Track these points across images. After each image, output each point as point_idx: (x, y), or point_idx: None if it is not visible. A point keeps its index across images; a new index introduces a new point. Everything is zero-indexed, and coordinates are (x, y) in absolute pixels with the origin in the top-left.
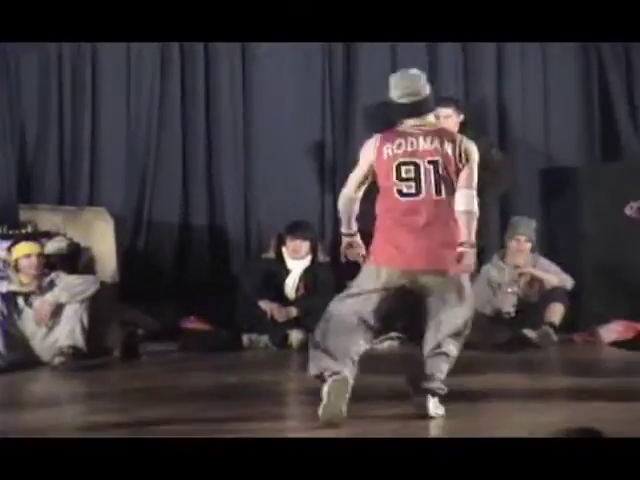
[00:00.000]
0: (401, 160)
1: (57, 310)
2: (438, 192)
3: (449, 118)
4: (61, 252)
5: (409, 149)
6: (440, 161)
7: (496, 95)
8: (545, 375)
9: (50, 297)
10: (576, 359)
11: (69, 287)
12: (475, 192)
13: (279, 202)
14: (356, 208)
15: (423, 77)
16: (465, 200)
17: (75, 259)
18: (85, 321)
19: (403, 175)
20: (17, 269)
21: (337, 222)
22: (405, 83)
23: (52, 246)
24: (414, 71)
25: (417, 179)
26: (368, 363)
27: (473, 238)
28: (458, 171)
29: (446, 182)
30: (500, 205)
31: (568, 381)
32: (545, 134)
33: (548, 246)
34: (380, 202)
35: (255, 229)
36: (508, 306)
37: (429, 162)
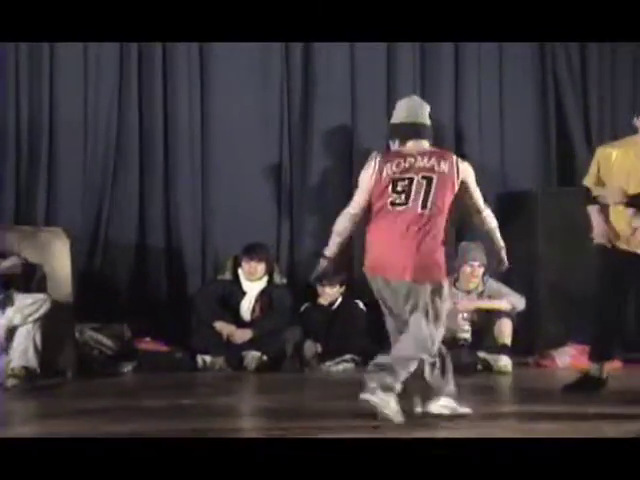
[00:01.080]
0: (398, 177)
1: (11, 332)
2: (424, 206)
3: None
4: (15, 271)
5: (407, 166)
6: (435, 178)
7: (453, 119)
8: (497, 399)
9: (3, 320)
10: (530, 383)
11: (21, 308)
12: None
13: (236, 224)
14: (353, 230)
15: (426, 106)
16: (490, 219)
17: (29, 279)
18: (38, 341)
19: (398, 189)
20: None
21: (293, 244)
22: (413, 106)
23: (6, 265)
24: (417, 99)
25: (409, 192)
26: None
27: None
28: (453, 188)
29: (436, 198)
30: (456, 229)
31: (519, 405)
32: (501, 158)
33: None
34: (373, 219)
35: (212, 251)
36: (462, 332)
37: (423, 177)
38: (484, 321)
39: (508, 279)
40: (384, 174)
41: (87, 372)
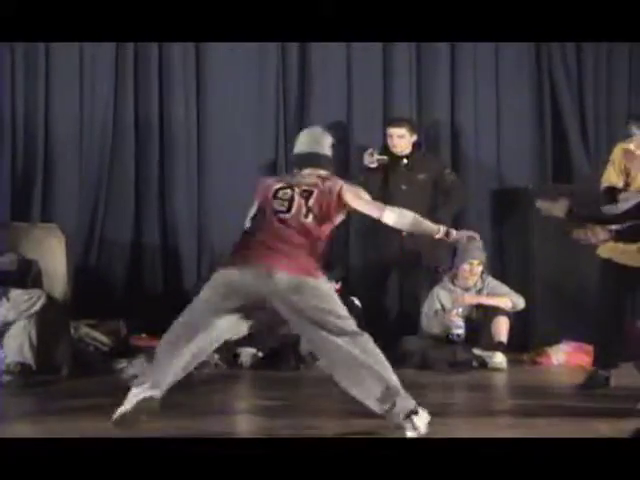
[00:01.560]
0: (280, 186)
1: (5, 328)
2: (306, 216)
3: (402, 138)
4: (11, 268)
5: (290, 181)
6: (315, 192)
7: (449, 116)
8: (491, 396)
9: None
10: (524, 380)
11: (16, 304)
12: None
13: (231, 222)
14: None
15: (326, 136)
16: (399, 218)
17: (25, 275)
18: (34, 337)
19: (279, 196)
20: None
21: None
22: (312, 137)
23: (1, 262)
24: (318, 129)
25: (291, 200)
26: None
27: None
28: (338, 207)
29: (315, 211)
30: (452, 226)
31: (513, 402)
32: (497, 155)
33: (499, 266)
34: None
35: (207, 248)
36: (456, 328)
37: (304, 190)
38: (481, 318)
39: (503, 276)
40: (270, 185)
41: (82, 369)
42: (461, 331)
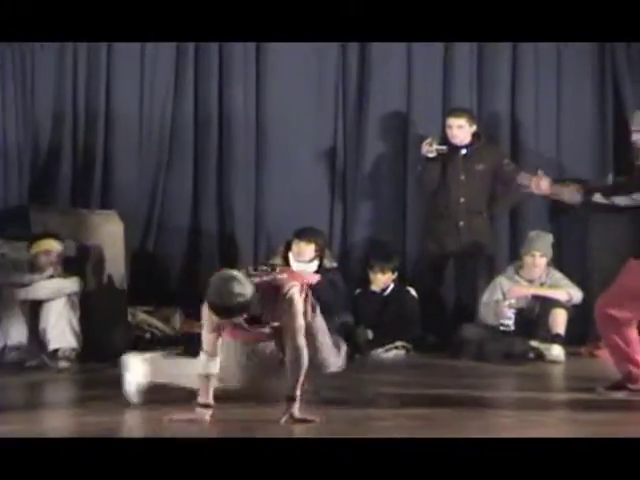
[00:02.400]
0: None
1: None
2: None
3: (462, 129)
4: (69, 254)
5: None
6: None
7: (510, 106)
8: (548, 388)
9: (22, 293)
10: (582, 373)
11: (47, 285)
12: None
13: (289, 209)
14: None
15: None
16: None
17: (84, 261)
18: (75, 322)
19: None
20: (34, 265)
21: (346, 230)
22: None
23: (60, 248)
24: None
25: None
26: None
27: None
28: None
29: None
30: (510, 217)
31: (571, 394)
32: (557, 146)
33: (557, 259)
34: None
35: (264, 236)
36: (505, 319)
37: None
38: (539, 310)
39: (561, 268)
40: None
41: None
42: (510, 322)
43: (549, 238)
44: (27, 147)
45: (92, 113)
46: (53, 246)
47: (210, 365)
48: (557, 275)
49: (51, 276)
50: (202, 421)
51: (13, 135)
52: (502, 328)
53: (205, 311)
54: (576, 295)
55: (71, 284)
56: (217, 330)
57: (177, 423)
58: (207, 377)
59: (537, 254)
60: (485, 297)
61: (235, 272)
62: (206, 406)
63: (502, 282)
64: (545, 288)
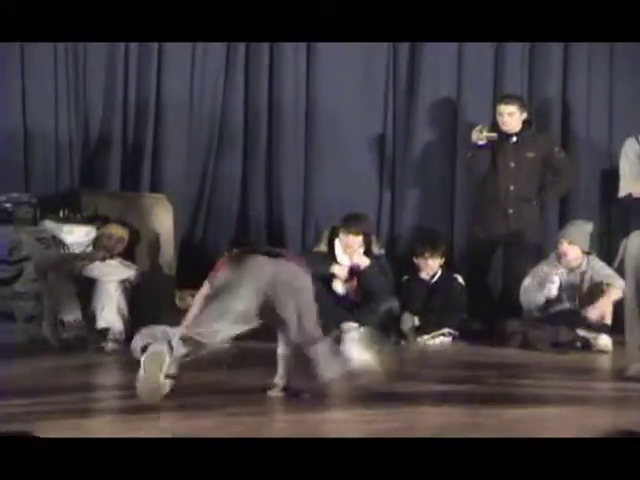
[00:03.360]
0: None
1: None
2: None
3: (512, 116)
4: (119, 235)
5: None
6: None
7: (561, 94)
8: (593, 378)
9: (77, 267)
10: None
11: (102, 266)
12: None
13: (337, 194)
14: None
15: None
16: None
17: (133, 244)
18: (123, 306)
19: None
20: (95, 244)
21: (394, 216)
22: None
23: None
24: None
25: None
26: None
27: None
28: None
29: None
30: (560, 205)
31: (614, 385)
32: (609, 134)
33: (606, 247)
34: None
35: (313, 221)
36: (550, 282)
37: None
38: (586, 299)
39: (610, 257)
40: None
41: None
42: (553, 287)
43: (584, 226)
44: (78, 132)
45: (143, 98)
46: (119, 232)
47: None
48: (598, 264)
49: (110, 257)
50: None
51: (65, 120)
52: (545, 292)
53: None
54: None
55: (128, 270)
56: None
57: None
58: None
59: (564, 241)
60: (526, 282)
61: None
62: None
63: (543, 268)
64: (607, 301)
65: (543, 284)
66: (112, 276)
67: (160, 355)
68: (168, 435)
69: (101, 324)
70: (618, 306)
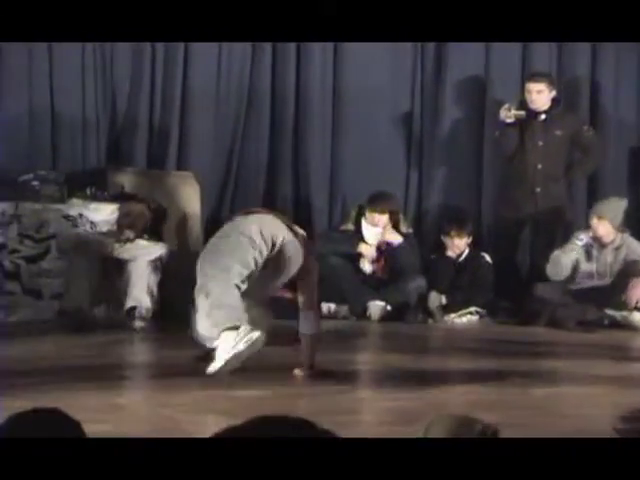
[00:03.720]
0: None
1: (122, 266)
2: None
3: (541, 94)
4: (146, 215)
5: None
6: None
7: (590, 72)
8: (622, 356)
9: (108, 250)
10: None
11: (133, 247)
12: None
13: (365, 173)
14: None
15: None
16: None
17: (160, 222)
18: (152, 285)
19: None
20: (118, 224)
21: (421, 194)
22: None
23: (136, 210)
24: None
25: None
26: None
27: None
28: None
29: None
30: (588, 184)
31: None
32: (637, 113)
33: (636, 226)
34: None
35: (340, 199)
36: (579, 239)
37: None
38: (621, 278)
39: (638, 233)
40: None
41: None
42: (580, 243)
43: (618, 203)
44: (106, 110)
45: (170, 77)
46: (135, 209)
47: None
48: (634, 243)
49: (135, 238)
50: None
51: (92, 98)
52: (571, 255)
53: None
54: None
55: (158, 249)
56: None
57: None
58: None
59: (594, 217)
60: (555, 253)
61: None
62: None
63: (577, 243)
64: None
65: (570, 246)
66: (144, 256)
67: (260, 342)
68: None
69: (130, 303)
70: None
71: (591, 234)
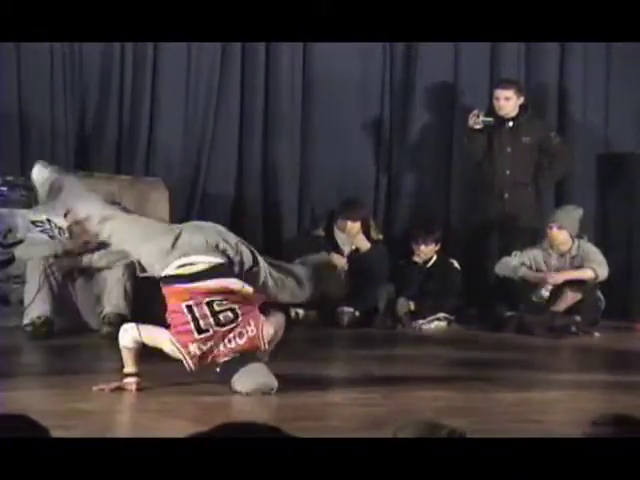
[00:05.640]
0: None
1: (95, 271)
2: None
3: (509, 100)
4: None
5: None
6: None
7: (557, 78)
8: (587, 363)
9: (87, 258)
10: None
11: (107, 253)
12: None
13: (334, 178)
14: None
15: None
16: None
17: None
18: (129, 288)
19: None
20: (70, 233)
21: (390, 200)
22: None
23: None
24: None
25: None
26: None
27: None
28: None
29: None
30: (556, 190)
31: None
32: (605, 120)
33: (601, 233)
34: None
35: (308, 204)
36: (543, 290)
37: None
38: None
39: (605, 243)
40: None
41: None
42: (546, 294)
43: (574, 212)
44: (74, 115)
45: (139, 82)
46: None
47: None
48: (590, 249)
49: (102, 245)
50: (129, 390)
51: (61, 103)
52: (535, 299)
53: (167, 345)
54: (602, 273)
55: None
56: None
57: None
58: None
59: (553, 226)
60: (512, 256)
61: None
62: (134, 375)
63: (534, 251)
64: (571, 272)
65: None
66: (120, 260)
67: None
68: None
69: (108, 309)
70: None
71: (549, 249)
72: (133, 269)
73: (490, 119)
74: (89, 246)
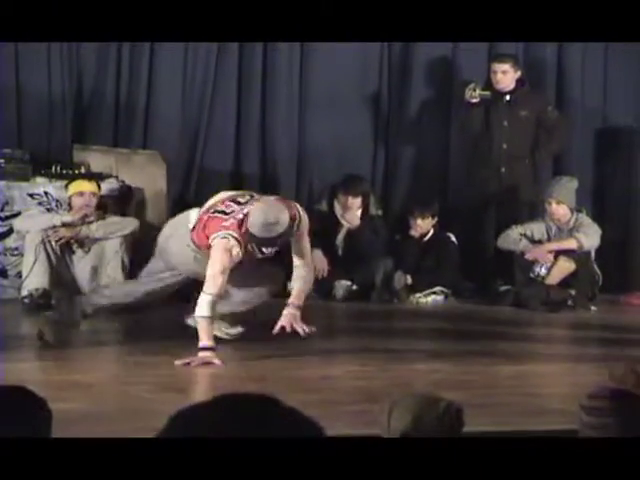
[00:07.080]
0: None
1: (93, 242)
2: None
3: (506, 74)
4: (113, 194)
5: None
6: None
7: (556, 52)
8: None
9: (85, 229)
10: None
11: (105, 225)
12: None
13: (331, 154)
14: None
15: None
16: None
17: (126, 201)
18: (126, 261)
19: None
20: (70, 206)
21: (388, 175)
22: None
23: (104, 188)
24: None
25: None
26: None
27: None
28: None
29: None
30: (554, 164)
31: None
32: (604, 93)
33: (599, 205)
34: None
35: (307, 180)
36: (540, 267)
37: None
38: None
39: (602, 217)
40: None
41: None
42: (544, 272)
43: (570, 184)
44: (72, 88)
45: (137, 54)
46: (87, 187)
47: (215, 307)
48: (586, 222)
49: (94, 217)
50: (214, 363)
51: (58, 76)
52: (533, 276)
53: (219, 251)
54: (587, 242)
55: (131, 223)
56: (231, 267)
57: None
58: (211, 319)
59: (553, 201)
60: (513, 227)
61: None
62: (211, 349)
63: (536, 227)
64: (555, 241)
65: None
66: (117, 232)
67: None
68: None
69: (105, 280)
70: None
71: (550, 221)
72: (131, 240)
73: (487, 93)
74: (87, 219)
